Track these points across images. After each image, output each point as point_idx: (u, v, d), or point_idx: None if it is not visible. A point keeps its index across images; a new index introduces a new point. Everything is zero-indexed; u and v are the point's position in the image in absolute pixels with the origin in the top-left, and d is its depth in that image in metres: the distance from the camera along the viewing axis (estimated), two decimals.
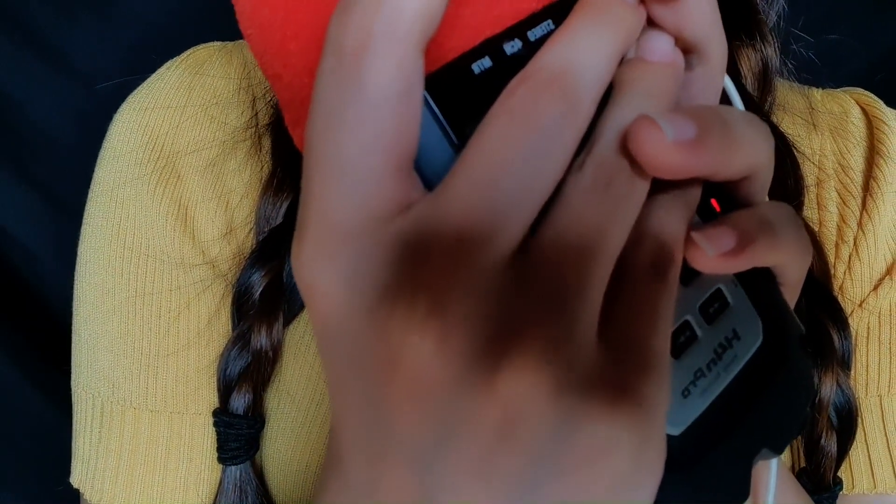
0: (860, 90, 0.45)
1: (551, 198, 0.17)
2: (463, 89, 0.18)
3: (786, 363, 0.22)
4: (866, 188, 0.41)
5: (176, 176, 0.38)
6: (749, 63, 0.39)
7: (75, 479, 0.39)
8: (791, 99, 0.43)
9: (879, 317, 0.40)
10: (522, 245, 0.17)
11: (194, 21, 0.69)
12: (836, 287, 0.41)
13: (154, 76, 0.40)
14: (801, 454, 0.40)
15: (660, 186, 0.19)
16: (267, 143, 0.39)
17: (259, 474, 0.39)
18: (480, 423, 0.16)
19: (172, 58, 0.41)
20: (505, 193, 0.16)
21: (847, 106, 0.44)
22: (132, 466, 0.37)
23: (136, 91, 0.40)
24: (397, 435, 0.17)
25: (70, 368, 0.42)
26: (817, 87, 0.45)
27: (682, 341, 0.20)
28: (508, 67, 0.18)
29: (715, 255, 0.19)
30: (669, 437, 0.19)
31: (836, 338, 0.38)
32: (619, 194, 0.17)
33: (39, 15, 0.72)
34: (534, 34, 0.19)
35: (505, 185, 0.16)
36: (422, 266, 0.16)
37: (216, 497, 0.38)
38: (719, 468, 0.20)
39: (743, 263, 0.19)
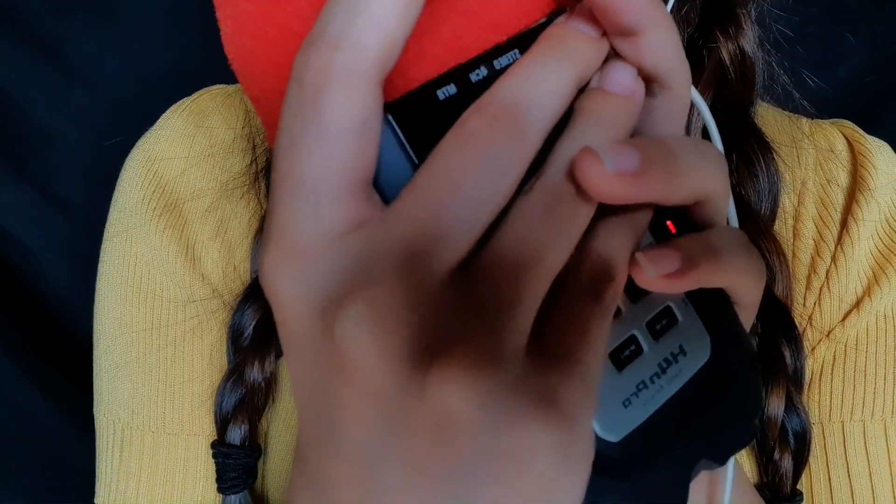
0: (847, 123, 0.46)
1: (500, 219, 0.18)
2: (427, 114, 0.19)
3: (732, 380, 0.23)
4: (843, 223, 0.42)
5: (183, 220, 0.40)
6: (728, 54, 0.40)
7: (98, 500, 0.41)
8: (777, 128, 0.44)
9: (845, 347, 0.41)
10: (465, 262, 0.18)
11: (193, 21, 0.69)
12: (805, 317, 0.42)
13: (161, 123, 0.43)
14: (759, 470, 0.41)
15: (609, 209, 0.20)
16: (264, 186, 0.41)
17: (259, 501, 0.40)
18: (415, 426, 0.17)
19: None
20: (450, 214, 0.17)
21: (833, 139, 0.45)
22: (152, 487, 0.39)
23: (144, 138, 0.43)
24: (344, 435, 0.18)
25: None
26: (808, 109, 0.46)
27: (627, 355, 0.21)
28: (473, 94, 0.19)
29: (657, 276, 0.20)
30: (608, 444, 0.20)
31: (787, 355, 0.39)
32: (562, 217, 0.18)
33: (39, 14, 0.72)
34: (500, 63, 0.20)
35: (450, 206, 0.17)
36: (368, 277, 0.17)
37: None
38: (658, 475, 0.21)
39: (686, 285, 0.20)
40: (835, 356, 0.41)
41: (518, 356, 0.17)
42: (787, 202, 0.42)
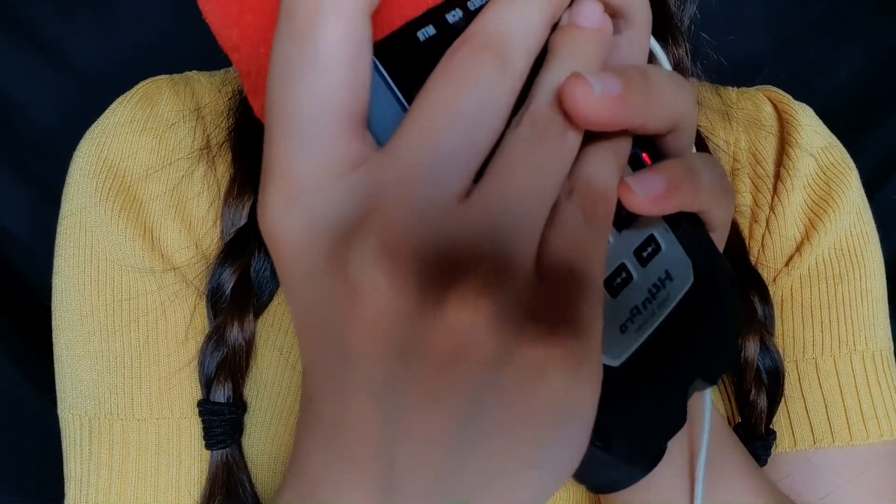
0: (772, 88, 0.49)
1: (494, 151, 0.19)
2: (409, 55, 0.20)
3: (716, 301, 0.24)
4: (777, 175, 0.45)
5: (138, 202, 0.40)
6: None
7: (69, 500, 0.40)
8: (707, 97, 0.47)
9: (791, 290, 0.44)
10: (468, 191, 0.18)
11: (193, 20, 0.69)
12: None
13: (107, 112, 0.43)
14: (735, 410, 0.43)
15: (592, 140, 0.21)
16: (221, 164, 0.41)
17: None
18: (432, 350, 0.18)
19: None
20: (448, 144, 0.18)
21: (760, 103, 0.48)
22: (124, 475, 0.39)
23: (91, 128, 0.42)
24: (359, 368, 0.18)
25: None
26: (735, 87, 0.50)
27: (619, 282, 0.22)
28: (451, 35, 0.20)
29: (646, 198, 0.21)
30: (610, 369, 0.21)
31: (757, 303, 0.42)
32: (553, 144, 0.19)
33: (39, 14, 0.72)
34: (473, 4, 0.21)
35: (448, 137, 0.18)
36: (375, 211, 0.18)
37: (207, 482, 0.39)
38: (658, 396, 0.22)
39: (671, 205, 0.22)
40: (782, 300, 0.44)
41: (527, 278, 0.18)
42: (724, 162, 0.45)
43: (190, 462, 0.39)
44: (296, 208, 0.19)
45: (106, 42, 0.73)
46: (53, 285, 0.41)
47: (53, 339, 0.41)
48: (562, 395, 0.18)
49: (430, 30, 0.20)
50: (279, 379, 0.40)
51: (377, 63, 0.19)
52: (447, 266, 0.17)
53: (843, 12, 0.73)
